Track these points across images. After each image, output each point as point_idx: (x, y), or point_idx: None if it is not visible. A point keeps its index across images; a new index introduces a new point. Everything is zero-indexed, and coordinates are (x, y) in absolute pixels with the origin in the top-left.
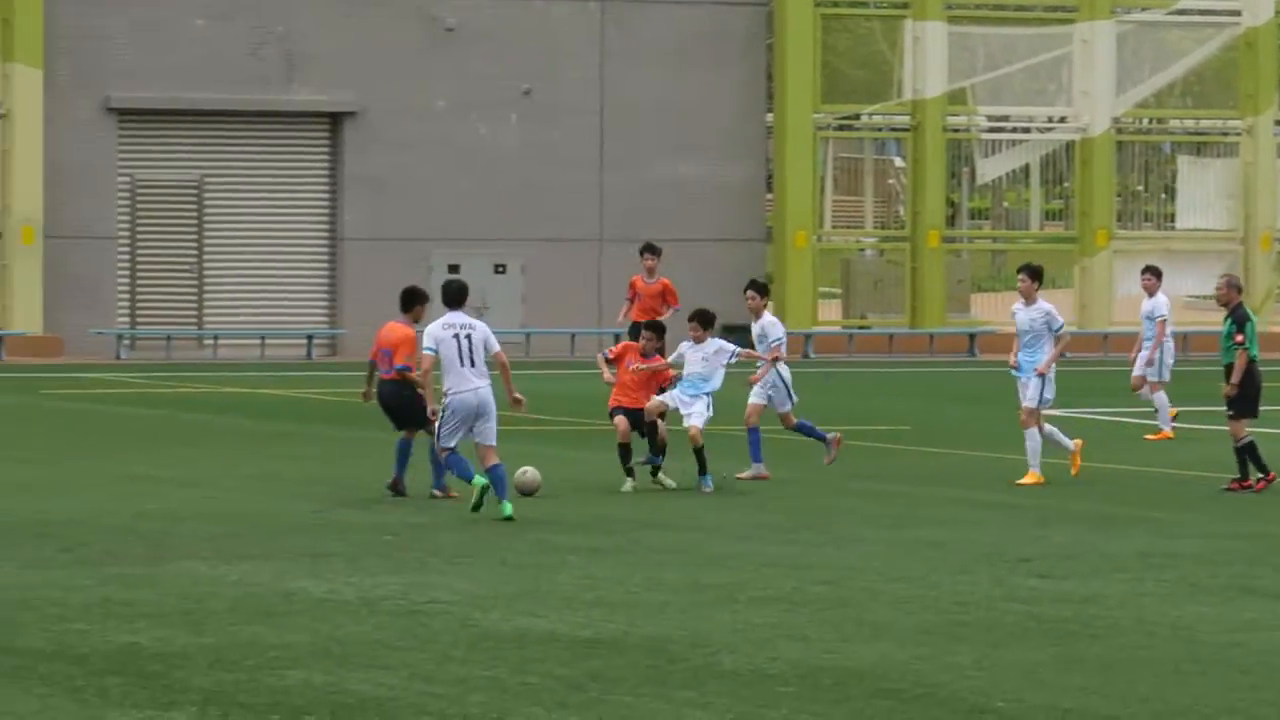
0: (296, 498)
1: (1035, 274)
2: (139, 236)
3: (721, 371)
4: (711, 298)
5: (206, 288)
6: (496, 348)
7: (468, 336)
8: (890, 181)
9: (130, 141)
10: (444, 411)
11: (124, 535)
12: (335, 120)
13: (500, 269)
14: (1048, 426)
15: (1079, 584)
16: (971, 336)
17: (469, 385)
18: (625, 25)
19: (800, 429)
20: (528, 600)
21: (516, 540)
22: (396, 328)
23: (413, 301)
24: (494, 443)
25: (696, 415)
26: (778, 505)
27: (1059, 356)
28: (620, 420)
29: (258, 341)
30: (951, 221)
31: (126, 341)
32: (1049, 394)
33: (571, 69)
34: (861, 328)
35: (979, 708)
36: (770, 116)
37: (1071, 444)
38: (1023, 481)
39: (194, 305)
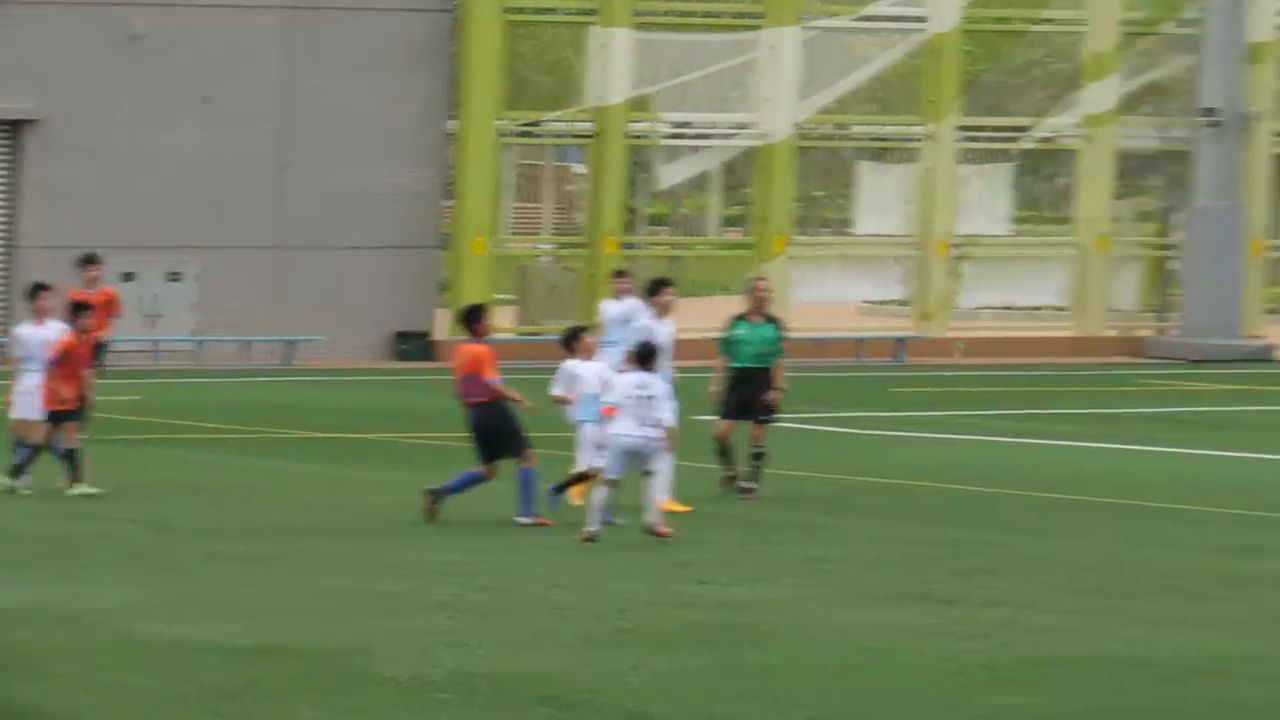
0: None
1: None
2: None
3: None
4: (388, 304)
5: None
6: None
7: None
8: (570, 188)
9: None
10: None
11: None
12: (16, 127)
13: (174, 276)
14: None
15: (740, 590)
16: None
17: None
18: (309, 33)
19: None
20: (189, 608)
21: (181, 548)
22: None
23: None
24: None
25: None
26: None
27: None
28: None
29: None
30: (630, 228)
31: None
32: None
33: (253, 76)
34: (535, 334)
35: (636, 713)
36: (453, 123)
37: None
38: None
39: None
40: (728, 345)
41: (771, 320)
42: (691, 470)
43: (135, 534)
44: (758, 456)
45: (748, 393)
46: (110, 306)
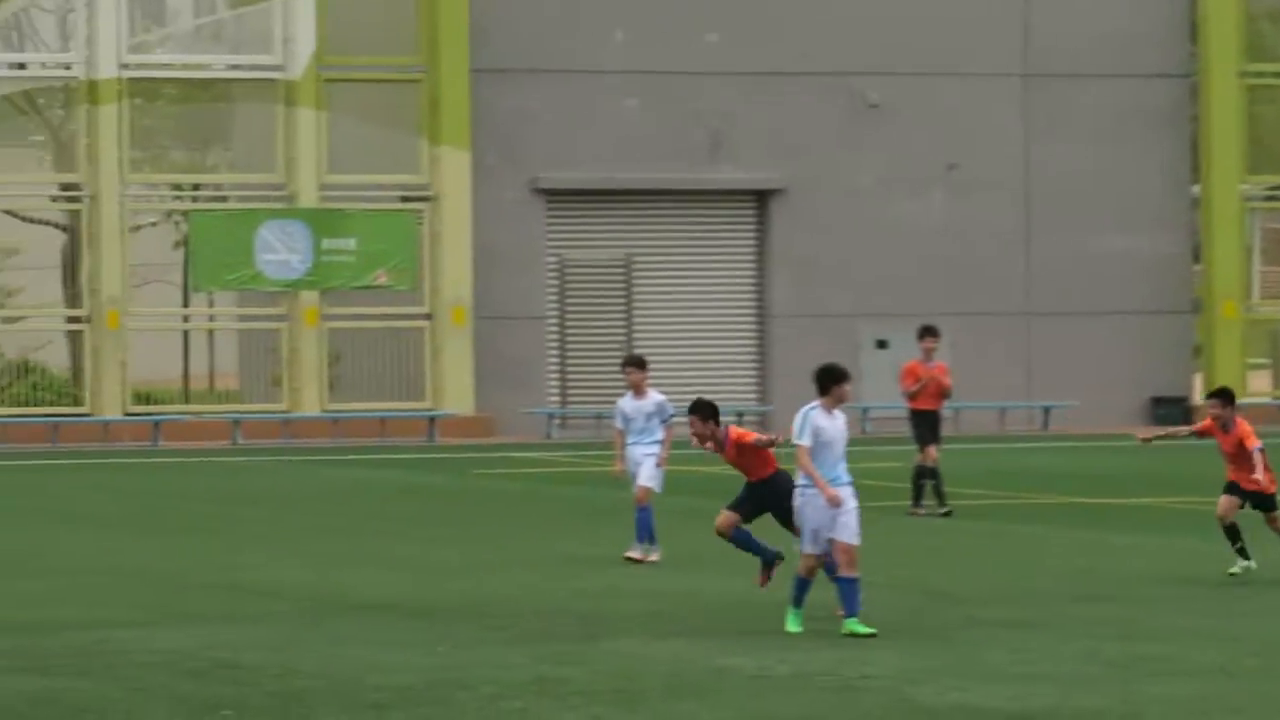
0: (728, 574)
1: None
2: (568, 316)
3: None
4: (1141, 369)
5: None
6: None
7: None
8: None
9: (558, 221)
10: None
11: (558, 613)
12: (762, 198)
13: None
14: None
15: None
16: None
17: None
18: (1047, 100)
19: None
20: (957, 675)
21: (945, 615)
22: None
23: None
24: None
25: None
26: (1210, 576)
27: None
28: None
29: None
30: None
31: (557, 421)
32: None
33: (994, 144)
34: None
35: None
36: (1196, 188)
37: None
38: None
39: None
40: None
41: None
42: None
43: (899, 600)
44: None
45: None
46: (944, 379)
